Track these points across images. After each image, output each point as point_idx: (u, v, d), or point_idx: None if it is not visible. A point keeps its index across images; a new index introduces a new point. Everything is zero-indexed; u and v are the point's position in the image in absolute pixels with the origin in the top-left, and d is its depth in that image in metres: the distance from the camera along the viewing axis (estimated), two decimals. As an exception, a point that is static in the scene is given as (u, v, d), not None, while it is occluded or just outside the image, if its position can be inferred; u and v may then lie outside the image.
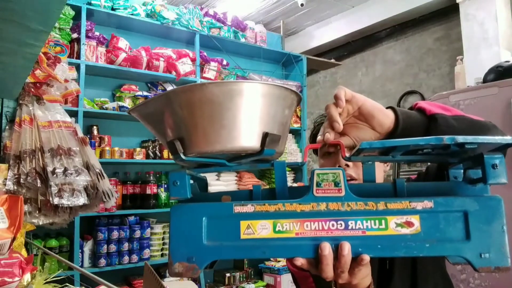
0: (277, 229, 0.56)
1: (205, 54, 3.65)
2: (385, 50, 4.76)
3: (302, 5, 4.31)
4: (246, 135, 0.56)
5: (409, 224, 0.54)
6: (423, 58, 4.36)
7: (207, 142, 0.55)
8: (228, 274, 3.59)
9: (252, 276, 3.77)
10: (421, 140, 0.53)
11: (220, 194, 0.65)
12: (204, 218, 0.57)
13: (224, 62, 3.75)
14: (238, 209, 0.57)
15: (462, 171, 0.61)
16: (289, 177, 3.98)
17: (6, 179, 1.78)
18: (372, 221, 0.55)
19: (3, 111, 2.28)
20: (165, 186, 3.33)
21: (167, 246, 3.31)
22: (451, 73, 3.88)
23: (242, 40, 3.89)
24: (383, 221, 0.55)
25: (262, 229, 0.56)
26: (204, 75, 3.59)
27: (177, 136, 0.57)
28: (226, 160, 0.60)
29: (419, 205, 0.54)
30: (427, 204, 0.54)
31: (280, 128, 0.60)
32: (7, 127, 2.29)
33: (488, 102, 2.40)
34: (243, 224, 0.57)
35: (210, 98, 0.54)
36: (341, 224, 0.55)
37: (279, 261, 3.78)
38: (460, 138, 0.50)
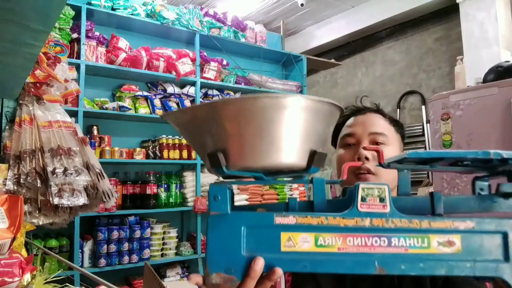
0: (319, 243, 0.55)
1: (205, 54, 3.65)
2: (385, 50, 4.76)
3: (302, 5, 4.31)
4: (294, 153, 0.54)
5: (451, 243, 0.54)
6: (423, 58, 4.36)
7: (253, 157, 0.54)
8: (228, 274, 3.58)
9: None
10: (469, 153, 0.53)
11: (255, 207, 0.63)
12: (243, 228, 0.56)
13: (224, 62, 3.75)
14: (279, 220, 0.55)
15: (487, 183, 0.61)
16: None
17: (6, 179, 1.78)
18: (415, 239, 0.54)
19: (3, 111, 2.28)
20: (165, 186, 3.33)
21: (167, 246, 3.31)
22: (451, 73, 3.88)
23: (242, 40, 3.89)
24: (425, 239, 0.54)
25: (303, 242, 0.55)
26: (204, 75, 3.59)
27: (220, 148, 0.54)
28: (264, 173, 0.58)
29: (462, 225, 0.54)
30: (469, 224, 0.54)
31: (325, 145, 0.59)
32: (7, 127, 2.29)
33: (488, 102, 2.40)
34: (284, 236, 0.55)
35: (260, 112, 0.52)
36: (384, 240, 0.55)
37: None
38: (505, 154, 0.51)
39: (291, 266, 0.55)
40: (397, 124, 1.02)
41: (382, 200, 0.56)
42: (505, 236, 0.54)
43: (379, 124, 0.97)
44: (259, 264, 0.54)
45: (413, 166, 0.60)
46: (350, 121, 1.02)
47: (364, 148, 0.92)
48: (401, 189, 0.62)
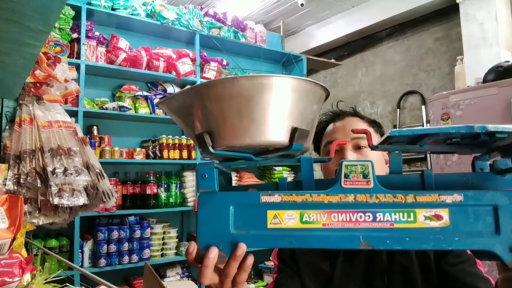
0: (304, 220, 0.56)
1: (205, 54, 3.65)
2: (385, 50, 4.75)
3: (302, 5, 4.30)
4: (275, 130, 0.56)
5: (438, 217, 0.54)
6: (423, 58, 4.36)
7: (236, 136, 0.56)
8: (228, 274, 3.57)
9: (252, 276, 3.77)
10: (452, 128, 0.52)
11: (246, 187, 0.65)
12: (231, 207, 0.58)
13: (224, 62, 3.75)
14: (265, 198, 0.57)
15: (488, 162, 0.60)
16: (290, 177, 3.98)
17: (6, 179, 1.78)
18: (401, 214, 0.55)
19: (3, 111, 2.28)
20: (165, 186, 3.32)
21: (167, 246, 3.31)
22: (451, 73, 3.88)
23: (242, 40, 3.88)
24: (411, 214, 0.54)
25: (289, 219, 0.57)
26: (204, 75, 3.59)
27: (206, 129, 0.57)
28: (253, 154, 0.61)
29: (449, 198, 0.54)
30: (457, 197, 0.54)
31: (309, 123, 0.60)
32: (7, 127, 2.29)
33: (488, 102, 2.40)
34: (270, 213, 0.57)
35: (240, 92, 0.55)
36: (369, 216, 0.55)
37: (279, 261, 3.77)
38: (491, 127, 0.50)
39: (277, 242, 0.57)
40: (376, 125, 1.03)
41: (365, 176, 0.56)
42: (495, 209, 0.53)
43: (359, 128, 0.98)
44: (241, 249, 0.57)
45: (402, 146, 0.60)
46: (330, 127, 1.02)
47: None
48: (392, 170, 0.62)
